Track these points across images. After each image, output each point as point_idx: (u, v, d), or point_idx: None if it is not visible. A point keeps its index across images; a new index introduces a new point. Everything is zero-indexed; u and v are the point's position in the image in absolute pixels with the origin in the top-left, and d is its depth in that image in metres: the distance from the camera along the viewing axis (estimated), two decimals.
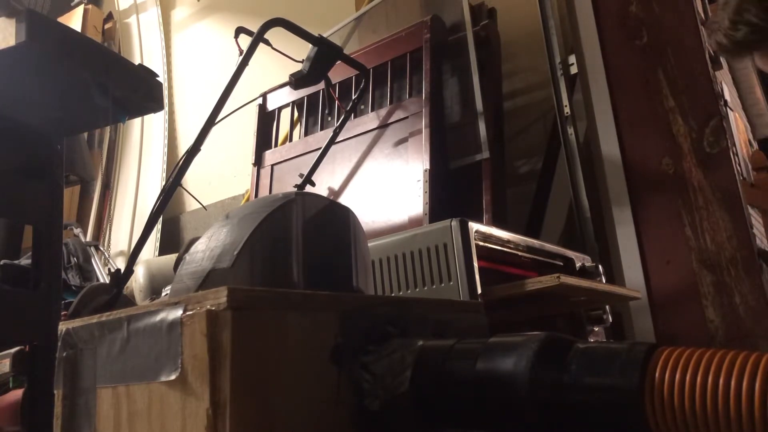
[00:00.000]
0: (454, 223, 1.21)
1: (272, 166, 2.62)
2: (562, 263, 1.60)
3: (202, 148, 1.71)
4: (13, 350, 1.46)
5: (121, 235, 3.75)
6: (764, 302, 1.70)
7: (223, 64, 3.48)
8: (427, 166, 2.03)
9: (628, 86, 2.00)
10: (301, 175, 2.21)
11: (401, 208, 2.08)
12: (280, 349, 0.58)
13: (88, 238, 3.52)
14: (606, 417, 0.51)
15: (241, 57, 1.78)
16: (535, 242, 1.51)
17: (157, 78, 1.55)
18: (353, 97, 2.24)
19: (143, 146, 3.89)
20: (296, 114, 2.71)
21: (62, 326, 0.71)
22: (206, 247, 0.81)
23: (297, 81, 1.92)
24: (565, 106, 2.15)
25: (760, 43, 0.85)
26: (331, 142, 2.19)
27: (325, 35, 1.98)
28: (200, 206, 2.81)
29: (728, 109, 1.91)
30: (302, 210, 0.82)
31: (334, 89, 2.40)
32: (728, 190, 1.80)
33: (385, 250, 1.28)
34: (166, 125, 3.83)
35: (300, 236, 0.81)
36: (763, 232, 2.03)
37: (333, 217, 0.87)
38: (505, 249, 1.40)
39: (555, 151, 2.28)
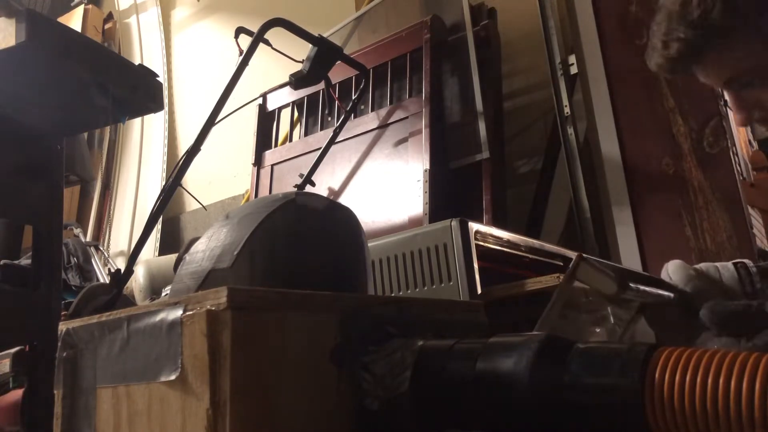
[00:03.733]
0: (454, 223, 1.21)
1: (272, 166, 2.62)
2: (562, 263, 1.60)
3: (202, 148, 1.71)
4: (13, 350, 1.46)
5: (121, 235, 3.75)
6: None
7: (223, 64, 3.48)
8: (427, 166, 2.03)
9: (628, 86, 2.00)
10: (301, 175, 2.21)
11: (401, 208, 2.08)
12: (280, 349, 0.58)
13: (88, 238, 3.52)
14: (606, 417, 0.51)
15: (241, 57, 1.78)
16: (535, 242, 1.51)
17: (157, 78, 1.55)
18: (353, 97, 2.24)
19: (143, 146, 3.89)
20: (296, 114, 2.71)
21: (62, 326, 0.71)
22: (206, 247, 0.81)
23: (297, 81, 1.92)
24: (565, 106, 2.14)
25: (694, 57, 0.84)
26: (331, 142, 2.19)
27: (325, 35, 1.98)
28: (200, 206, 2.81)
29: (728, 109, 1.91)
30: (302, 210, 0.82)
31: (334, 89, 2.40)
32: (728, 190, 1.80)
33: (385, 250, 1.27)
34: (166, 125, 3.83)
35: (300, 236, 0.81)
36: (763, 232, 2.03)
37: (333, 217, 0.87)
38: (505, 249, 1.40)
39: (555, 151, 2.28)
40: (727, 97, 0.89)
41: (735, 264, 0.88)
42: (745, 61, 0.82)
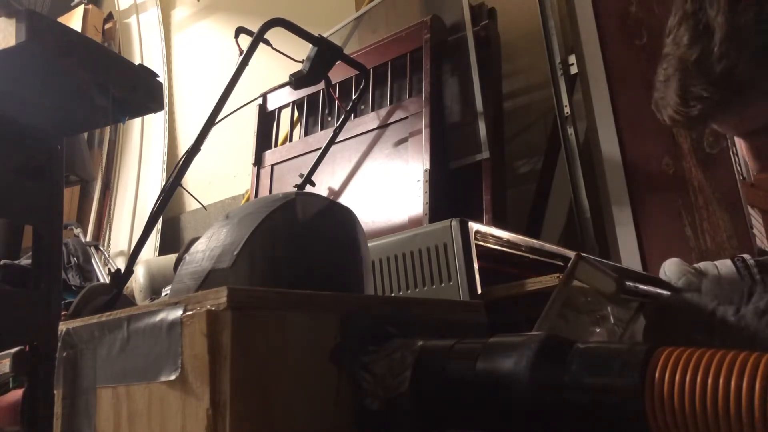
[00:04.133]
0: (454, 223, 1.21)
1: (272, 166, 2.62)
2: (562, 263, 1.60)
3: (202, 148, 1.71)
4: (13, 350, 1.46)
5: (121, 235, 3.75)
6: None
7: (223, 64, 3.48)
8: (427, 166, 2.03)
9: (628, 86, 2.00)
10: (301, 175, 2.21)
11: (401, 208, 2.08)
12: (280, 349, 0.58)
13: (88, 238, 3.52)
14: (606, 417, 0.51)
15: (241, 57, 1.78)
16: (535, 242, 1.51)
17: (157, 78, 1.55)
18: (353, 97, 2.24)
19: (143, 146, 3.89)
20: (296, 114, 2.71)
21: (62, 326, 0.71)
22: (206, 247, 0.81)
23: (297, 81, 1.92)
24: (565, 106, 2.14)
25: (717, 115, 0.79)
26: (331, 142, 2.19)
27: (325, 35, 1.98)
28: (200, 206, 2.81)
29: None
30: (302, 210, 0.82)
31: (334, 89, 2.40)
32: (728, 190, 1.80)
33: (385, 250, 1.27)
34: (166, 125, 3.83)
35: (300, 236, 0.81)
36: (763, 232, 2.03)
37: (333, 217, 0.87)
38: (505, 249, 1.40)
39: (555, 151, 2.28)
40: (743, 143, 0.82)
41: (733, 259, 0.88)
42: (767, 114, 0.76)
